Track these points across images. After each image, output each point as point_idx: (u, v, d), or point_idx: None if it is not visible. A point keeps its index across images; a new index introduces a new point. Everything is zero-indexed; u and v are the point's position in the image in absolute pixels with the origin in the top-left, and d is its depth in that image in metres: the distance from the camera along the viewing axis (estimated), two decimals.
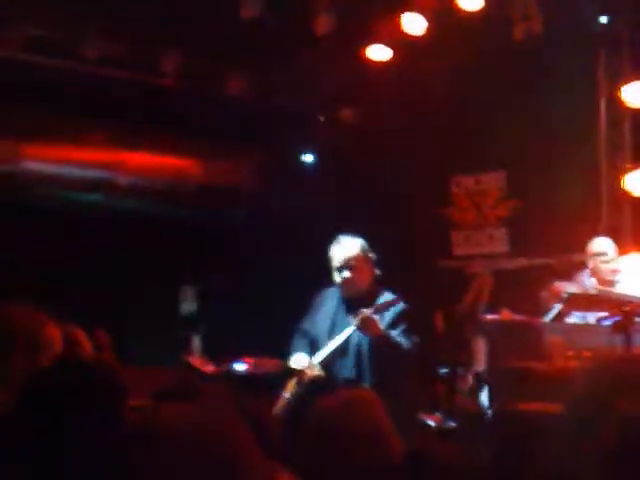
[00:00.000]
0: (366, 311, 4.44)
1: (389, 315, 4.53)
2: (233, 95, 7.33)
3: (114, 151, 7.06)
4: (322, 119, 8.06)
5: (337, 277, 4.65)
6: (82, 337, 3.04)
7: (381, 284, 4.69)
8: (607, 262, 5.42)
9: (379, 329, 4.44)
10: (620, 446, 0.73)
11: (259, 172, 7.91)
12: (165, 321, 7.23)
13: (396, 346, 4.45)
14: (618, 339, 3.38)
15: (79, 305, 5.40)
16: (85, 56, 6.51)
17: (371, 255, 4.67)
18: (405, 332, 4.55)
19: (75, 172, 6.88)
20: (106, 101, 6.72)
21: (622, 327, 3.41)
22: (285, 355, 4.87)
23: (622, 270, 5.58)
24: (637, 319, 4.42)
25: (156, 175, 7.36)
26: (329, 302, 4.78)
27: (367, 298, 4.59)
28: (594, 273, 5.50)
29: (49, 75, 6.46)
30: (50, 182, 6.83)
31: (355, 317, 4.45)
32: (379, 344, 4.46)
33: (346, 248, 4.65)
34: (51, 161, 6.79)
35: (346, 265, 4.60)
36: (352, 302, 4.62)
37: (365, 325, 4.42)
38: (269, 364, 5.66)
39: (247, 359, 5.87)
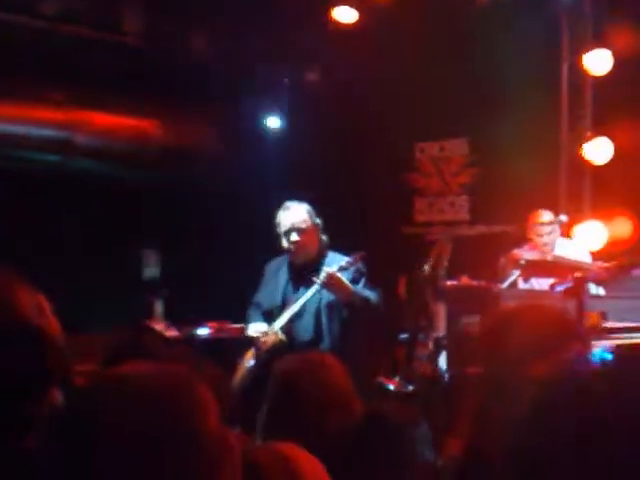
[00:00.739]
0: (330, 269, 4.47)
1: (348, 273, 4.57)
2: (197, 56, 7.24)
3: (73, 111, 6.92)
4: (287, 82, 8.01)
5: (285, 242, 4.66)
6: (45, 304, 3.00)
7: (328, 249, 4.72)
8: (541, 233, 5.55)
9: (347, 286, 4.47)
10: (533, 408, 0.74)
11: (222, 135, 7.84)
12: (127, 286, 7.18)
13: (365, 300, 4.50)
14: (570, 305, 3.45)
15: (36, 269, 5.34)
16: (43, 12, 6.37)
17: (318, 221, 4.70)
18: (367, 284, 4.61)
19: (33, 132, 6.74)
20: (65, 60, 6.60)
21: (573, 293, 3.47)
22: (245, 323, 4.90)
23: (579, 236, 5.70)
24: (588, 285, 4.52)
25: (116, 136, 7.25)
26: (279, 272, 4.80)
27: (316, 263, 4.61)
28: (532, 243, 5.62)
29: (5, 32, 6.31)
30: (6, 142, 6.69)
31: (318, 277, 4.47)
32: (348, 301, 4.50)
33: (293, 213, 4.67)
34: (7, 120, 6.64)
35: (294, 230, 4.62)
36: (301, 269, 4.64)
37: (332, 283, 4.44)
38: (233, 329, 5.69)
39: (210, 324, 5.88)
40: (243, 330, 5.02)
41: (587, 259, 5.38)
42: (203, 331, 5.37)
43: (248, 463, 1.50)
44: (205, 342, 5.42)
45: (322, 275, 4.45)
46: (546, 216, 5.62)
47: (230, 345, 5.26)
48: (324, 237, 4.74)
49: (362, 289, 4.56)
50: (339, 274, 4.45)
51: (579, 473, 0.68)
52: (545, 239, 5.59)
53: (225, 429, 1.18)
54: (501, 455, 0.74)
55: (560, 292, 3.92)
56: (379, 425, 2.36)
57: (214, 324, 5.38)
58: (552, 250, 5.57)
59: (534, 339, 1.75)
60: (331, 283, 4.43)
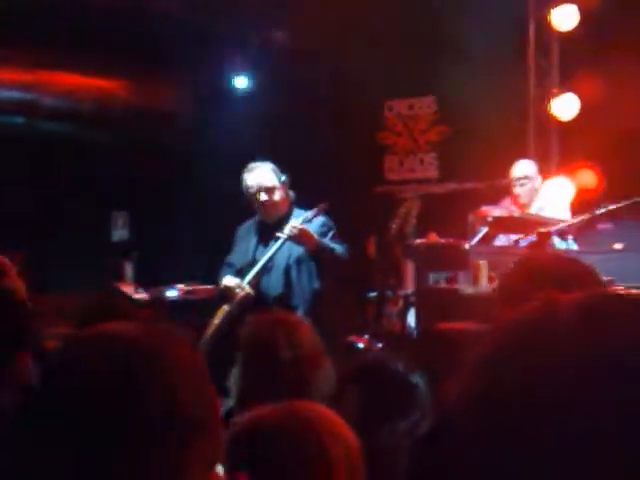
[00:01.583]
0: (295, 222, 4.49)
1: (315, 226, 4.59)
2: (163, 15, 7.12)
3: (37, 72, 6.81)
4: (255, 41, 7.91)
5: (254, 203, 4.68)
6: (8, 266, 2.98)
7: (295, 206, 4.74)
8: (527, 184, 5.57)
9: (313, 236, 4.50)
10: (497, 352, 0.73)
11: (190, 94, 7.76)
12: (96, 248, 7.13)
13: (332, 252, 4.54)
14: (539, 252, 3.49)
15: (3, 231, 5.29)
16: None
17: (284, 178, 4.71)
18: (334, 238, 4.64)
19: None
20: (30, 21, 6.46)
21: (537, 247, 3.51)
22: (217, 283, 4.91)
23: (547, 193, 5.74)
24: (552, 239, 4.57)
25: (82, 97, 7.14)
26: (250, 233, 4.83)
27: (286, 221, 4.63)
28: (516, 196, 5.65)
29: None
30: None
31: (283, 230, 4.49)
32: (315, 253, 4.53)
33: (259, 173, 4.68)
34: None
35: (262, 189, 4.64)
36: (272, 227, 4.66)
37: (297, 234, 4.46)
38: (202, 291, 5.69)
39: (180, 286, 5.88)
40: (213, 291, 5.04)
41: (564, 214, 5.39)
42: (172, 293, 5.37)
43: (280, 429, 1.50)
44: (175, 304, 5.42)
45: (287, 228, 4.47)
46: (518, 169, 5.63)
47: (200, 306, 5.27)
48: (291, 193, 4.76)
49: (329, 241, 4.60)
50: (304, 225, 4.48)
51: (552, 415, 0.67)
52: (517, 190, 5.60)
53: (211, 389, 1.17)
54: (470, 403, 0.73)
55: (524, 247, 3.96)
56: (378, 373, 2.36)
57: (183, 286, 5.38)
58: (529, 202, 5.57)
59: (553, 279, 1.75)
60: (296, 234, 4.46)
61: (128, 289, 5.36)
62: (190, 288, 5.53)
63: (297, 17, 7.21)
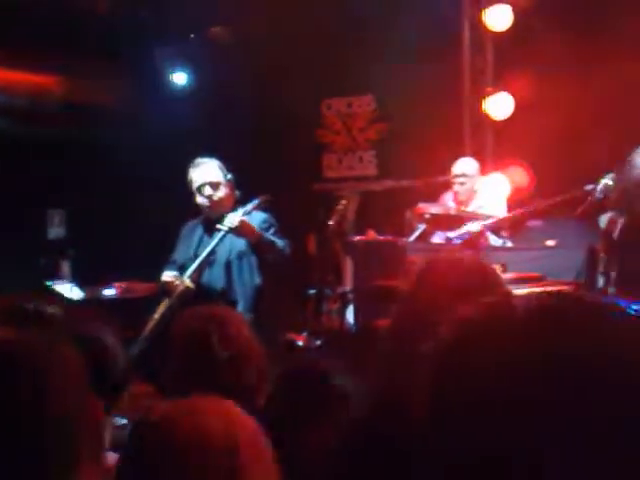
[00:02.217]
0: (235, 214, 4.49)
1: (256, 222, 4.60)
2: (101, 10, 7.03)
3: None
4: (194, 38, 7.86)
5: (199, 199, 4.66)
6: None
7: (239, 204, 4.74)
8: (467, 182, 5.68)
9: (253, 228, 4.50)
10: (454, 347, 0.75)
11: (127, 90, 7.67)
12: (32, 247, 7.01)
13: (272, 244, 4.54)
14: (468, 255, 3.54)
15: None
16: None
17: (230, 176, 4.70)
18: (275, 234, 4.65)
19: None
20: None
21: (471, 244, 3.57)
22: (158, 280, 4.88)
23: (483, 190, 5.84)
24: (487, 236, 4.66)
25: (17, 92, 7.01)
26: (194, 231, 4.81)
27: None
28: (455, 193, 5.76)
29: None
30: None
31: (224, 222, 4.48)
32: (256, 245, 4.53)
33: (204, 169, 4.66)
34: None
35: (207, 184, 4.63)
36: (215, 225, 4.65)
37: (238, 226, 4.46)
38: (141, 288, 5.64)
39: (117, 284, 5.82)
40: (151, 289, 5.00)
41: (501, 211, 5.49)
42: (109, 291, 5.31)
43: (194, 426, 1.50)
44: (112, 302, 5.37)
45: (227, 220, 4.47)
46: (458, 166, 5.74)
47: (139, 304, 5.23)
48: (237, 193, 4.75)
49: (271, 235, 4.62)
50: (244, 217, 4.49)
51: (500, 414, 0.69)
52: (456, 187, 5.71)
53: (83, 397, 1.17)
54: (416, 400, 0.75)
55: (458, 244, 4.02)
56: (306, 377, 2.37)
57: (121, 284, 5.32)
58: (468, 199, 5.68)
59: (454, 288, 1.76)
60: (236, 226, 4.46)
61: (63, 287, 5.29)
62: (128, 286, 5.47)
63: (236, 14, 7.19)
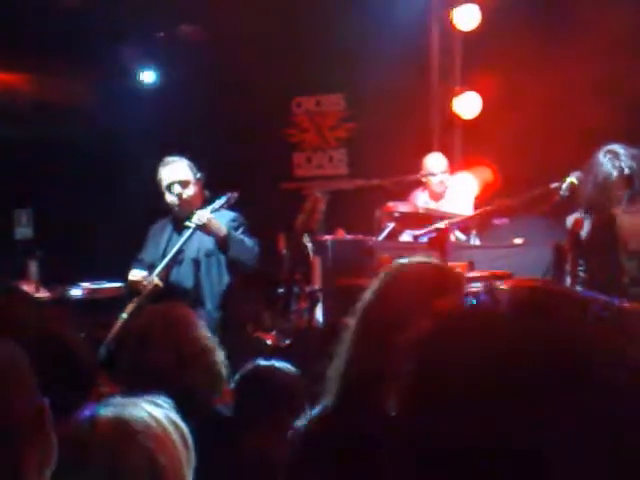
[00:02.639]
0: (203, 211, 4.47)
1: (225, 221, 4.58)
2: (69, 8, 6.97)
3: None
4: (163, 36, 7.82)
5: (168, 197, 4.64)
6: None
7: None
8: (438, 177, 5.74)
9: (220, 226, 4.49)
10: (433, 336, 0.75)
11: (96, 89, 7.61)
12: None
13: (241, 243, 4.53)
14: (435, 254, 3.56)
15: None
16: None
17: (199, 176, 4.69)
18: (244, 233, 4.64)
19: None
20: None
21: (436, 243, 3.59)
22: (126, 280, 4.86)
23: (452, 188, 5.88)
24: (452, 235, 4.69)
25: None
26: (163, 230, 4.79)
27: None
28: (428, 188, 5.80)
29: None
30: None
31: (192, 220, 4.47)
32: (224, 243, 4.52)
33: (174, 167, 4.65)
34: None
35: (176, 182, 4.61)
36: (184, 226, 4.63)
37: (205, 224, 4.44)
38: (108, 289, 5.60)
39: (85, 285, 5.77)
40: (119, 290, 4.97)
41: (469, 209, 5.54)
42: (77, 292, 5.26)
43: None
44: (80, 302, 5.32)
45: (195, 217, 4.45)
46: (430, 163, 5.78)
47: (107, 305, 5.19)
48: (206, 192, 4.74)
49: (241, 233, 4.61)
50: (212, 214, 4.47)
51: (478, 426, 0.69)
52: (431, 184, 5.78)
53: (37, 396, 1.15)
54: (394, 391, 0.75)
55: (424, 243, 4.04)
56: (256, 384, 2.37)
57: (88, 284, 5.27)
58: (441, 196, 5.75)
59: (414, 297, 1.76)
60: (204, 223, 4.44)
61: (29, 288, 5.23)
62: (95, 287, 5.43)
63: (205, 11, 7.16)
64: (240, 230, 4.64)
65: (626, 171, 3.26)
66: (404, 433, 0.72)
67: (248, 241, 4.61)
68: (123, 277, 4.99)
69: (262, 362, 2.55)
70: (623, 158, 3.28)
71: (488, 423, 0.67)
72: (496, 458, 0.67)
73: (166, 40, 7.75)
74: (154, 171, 4.72)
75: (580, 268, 3.57)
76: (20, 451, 1.08)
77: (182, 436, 1.50)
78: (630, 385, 0.67)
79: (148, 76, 7.77)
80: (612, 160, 3.28)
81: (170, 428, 1.49)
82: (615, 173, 3.26)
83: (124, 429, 1.45)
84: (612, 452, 0.66)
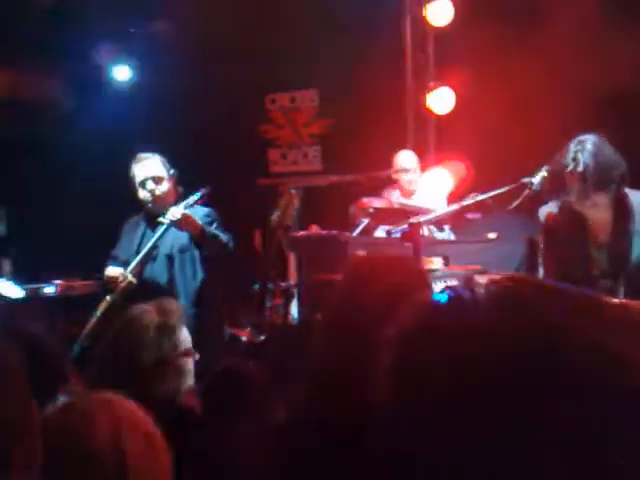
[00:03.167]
0: (177, 207, 4.46)
1: (199, 216, 4.57)
2: (40, 4, 6.91)
3: None
4: (137, 33, 7.77)
5: (141, 193, 4.62)
6: None
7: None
8: (408, 174, 5.77)
9: (196, 221, 4.48)
10: (416, 329, 0.75)
11: (67, 86, 7.56)
12: None
13: (216, 238, 4.52)
14: (408, 248, 3.59)
15: None
16: None
17: (173, 172, 4.68)
18: (218, 228, 4.63)
19: None
20: None
21: (409, 237, 3.60)
22: (99, 277, 4.83)
23: (425, 184, 5.91)
24: (428, 229, 4.71)
25: None
26: (137, 226, 4.77)
27: None
28: (398, 186, 5.82)
29: None
30: None
31: (166, 216, 4.45)
32: (199, 238, 4.50)
33: (147, 163, 4.63)
34: None
35: (150, 178, 4.59)
36: (158, 222, 4.61)
37: (179, 219, 4.43)
38: (82, 286, 5.56)
39: (59, 281, 5.73)
40: (93, 287, 4.95)
41: (443, 204, 5.56)
42: (50, 289, 5.22)
43: (76, 412, 1.49)
44: (53, 300, 5.29)
45: (169, 213, 4.44)
46: (401, 160, 5.80)
47: (80, 302, 5.16)
48: (180, 188, 4.73)
49: (215, 228, 4.60)
50: (186, 210, 4.46)
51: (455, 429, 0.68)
52: (402, 180, 5.79)
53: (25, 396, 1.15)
54: (375, 385, 0.75)
55: (397, 237, 4.06)
56: (230, 382, 2.37)
57: (62, 282, 5.24)
58: (412, 191, 5.77)
59: (381, 291, 1.76)
60: (179, 219, 4.43)
61: (2, 286, 5.19)
62: (69, 284, 5.40)
63: (178, 7, 7.12)
64: (214, 225, 4.64)
65: (580, 168, 3.27)
66: (386, 427, 0.72)
67: (223, 236, 4.61)
68: (94, 274, 4.97)
69: (231, 360, 2.56)
70: (586, 154, 3.28)
71: (470, 418, 0.68)
72: (477, 453, 0.67)
73: (139, 37, 7.71)
74: (127, 168, 4.70)
75: (552, 261, 3.60)
76: (10, 451, 1.08)
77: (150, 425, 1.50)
78: (606, 375, 0.68)
79: (122, 73, 7.72)
80: (575, 152, 3.29)
81: (139, 413, 1.50)
82: (570, 166, 3.27)
83: (86, 412, 1.45)
84: (586, 444, 0.67)
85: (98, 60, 7.61)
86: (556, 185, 3.35)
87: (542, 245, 3.68)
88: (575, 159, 3.29)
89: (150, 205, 4.63)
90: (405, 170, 5.75)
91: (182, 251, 4.62)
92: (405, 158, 5.87)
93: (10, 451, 1.09)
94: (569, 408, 0.67)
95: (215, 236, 4.54)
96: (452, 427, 0.68)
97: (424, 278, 1.89)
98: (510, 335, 0.70)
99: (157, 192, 4.59)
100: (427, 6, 6.27)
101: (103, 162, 7.14)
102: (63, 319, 5.06)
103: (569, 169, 3.29)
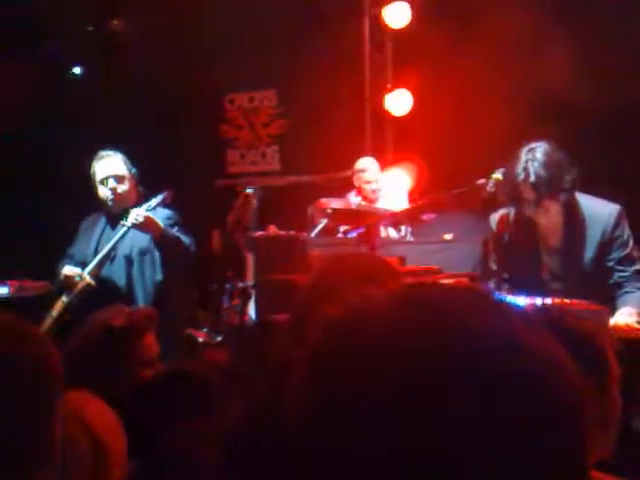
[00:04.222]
0: (138, 209, 4.43)
1: (160, 218, 4.55)
2: None
3: None
4: (91, 29, 7.69)
5: (102, 191, 4.58)
6: None
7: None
8: (369, 180, 5.79)
9: (157, 223, 4.45)
10: (322, 347, 0.75)
11: (25, 82, 7.45)
12: None
13: (177, 241, 4.50)
14: (364, 249, 3.60)
15: None
16: None
17: (134, 171, 4.65)
18: (179, 231, 4.61)
19: None
20: None
21: (365, 238, 3.62)
22: (52, 277, 4.78)
23: (384, 186, 5.94)
24: (383, 230, 4.74)
25: None
26: (95, 225, 4.73)
27: None
28: (359, 190, 5.84)
29: None
30: None
31: (128, 217, 4.42)
32: (160, 241, 4.48)
33: (108, 161, 4.60)
34: None
35: (111, 177, 4.55)
36: (118, 220, 4.58)
37: (141, 222, 4.39)
38: (35, 286, 5.48)
39: (11, 282, 5.64)
40: (47, 287, 4.90)
41: (402, 205, 5.59)
42: (2, 290, 5.14)
43: None
44: (5, 301, 5.20)
45: (130, 216, 4.41)
46: (361, 161, 5.83)
47: (31, 303, 5.09)
48: (141, 188, 4.70)
49: (176, 231, 4.58)
50: (148, 213, 4.43)
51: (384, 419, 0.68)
52: (361, 183, 5.83)
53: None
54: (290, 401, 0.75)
55: (353, 238, 4.08)
56: (182, 381, 2.36)
57: (15, 282, 5.16)
58: (372, 193, 5.80)
59: (349, 286, 1.76)
60: (140, 222, 4.40)
61: None
62: (22, 284, 5.31)
63: (136, 6, 7.07)
64: (175, 228, 4.62)
65: (531, 178, 3.30)
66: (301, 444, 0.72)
67: (185, 239, 4.59)
68: (46, 275, 4.91)
69: (181, 361, 2.55)
70: (536, 164, 3.30)
71: (379, 421, 0.67)
72: (391, 458, 0.67)
73: (96, 35, 7.63)
74: (82, 168, 4.66)
75: (502, 265, 3.64)
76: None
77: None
78: (519, 380, 0.68)
79: (77, 71, 7.65)
80: (526, 162, 3.32)
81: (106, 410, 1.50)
82: (522, 176, 3.30)
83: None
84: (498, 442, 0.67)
85: (53, 57, 7.52)
86: (509, 192, 3.39)
87: (493, 250, 3.72)
88: (526, 169, 3.32)
89: (110, 204, 4.59)
90: (362, 170, 5.76)
91: (142, 253, 4.58)
92: (366, 162, 5.88)
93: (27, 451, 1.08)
94: (478, 401, 0.67)
95: (177, 239, 4.52)
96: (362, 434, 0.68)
97: (391, 269, 1.90)
98: (410, 343, 0.70)
99: (118, 190, 4.56)
100: (385, 8, 6.30)
101: (60, 159, 7.06)
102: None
103: (520, 179, 3.32)
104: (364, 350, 0.71)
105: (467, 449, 0.66)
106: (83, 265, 4.64)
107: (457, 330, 0.70)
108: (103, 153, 4.65)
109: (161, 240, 4.48)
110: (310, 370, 0.74)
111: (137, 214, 4.40)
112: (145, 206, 4.48)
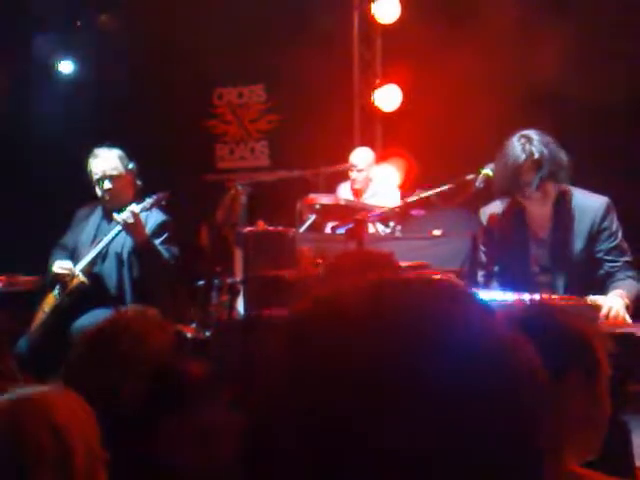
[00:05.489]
0: (134, 207, 4.40)
1: (150, 224, 4.52)
2: None
3: None
4: (80, 24, 7.66)
5: (99, 190, 4.57)
6: None
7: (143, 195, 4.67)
8: (360, 172, 5.79)
9: (143, 231, 4.42)
10: (291, 343, 0.76)
11: (10, 79, 7.42)
12: None
13: (157, 254, 4.48)
14: (352, 245, 3.60)
15: None
16: None
17: (131, 166, 4.62)
18: (166, 241, 4.58)
19: None
20: None
21: (353, 234, 3.62)
22: (43, 272, 4.75)
23: (375, 181, 5.94)
24: (372, 226, 4.74)
25: None
26: (91, 218, 4.70)
27: None
28: (352, 182, 5.85)
29: None
30: None
31: (122, 214, 4.40)
32: (141, 249, 4.45)
33: (105, 159, 4.57)
34: None
35: (107, 176, 4.53)
36: (113, 216, 4.56)
37: (132, 223, 4.37)
38: (23, 281, 5.45)
39: (0, 277, 5.61)
40: (37, 281, 4.87)
41: (394, 200, 5.59)
42: None
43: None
44: None
45: (125, 213, 4.38)
46: (353, 156, 5.80)
47: (26, 297, 5.07)
48: (139, 182, 4.67)
49: (159, 244, 4.54)
50: (141, 215, 4.41)
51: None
52: (353, 176, 5.78)
53: None
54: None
55: (341, 234, 4.08)
56: (167, 384, 2.34)
57: (4, 277, 5.13)
58: (363, 188, 5.79)
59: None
60: (131, 223, 4.37)
61: None
62: (12, 279, 5.28)
63: (124, 1, 7.05)
64: (163, 237, 4.58)
65: (536, 155, 3.32)
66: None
67: (165, 253, 4.55)
68: (37, 270, 4.89)
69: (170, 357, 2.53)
70: (535, 143, 3.34)
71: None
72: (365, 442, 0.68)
73: (84, 30, 7.60)
74: (71, 164, 4.64)
75: (492, 259, 3.64)
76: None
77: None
78: (471, 378, 0.69)
79: (66, 67, 7.61)
80: (523, 144, 3.34)
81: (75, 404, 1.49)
82: (524, 156, 3.32)
83: (25, 404, 1.43)
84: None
85: (42, 53, 7.49)
86: (508, 178, 3.39)
87: (482, 244, 3.72)
88: (525, 150, 3.34)
89: (107, 204, 4.59)
90: (352, 166, 5.76)
91: (133, 251, 4.55)
92: (359, 155, 5.88)
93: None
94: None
95: (157, 253, 4.49)
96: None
97: (389, 258, 1.90)
98: (373, 339, 0.70)
99: (113, 190, 4.54)
100: (374, 3, 6.30)
101: (47, 157, 7.04)
102: (6, 315, 4.96)
103: (522, 159, 3.33)
104: (329, 349, 0.71)
105: (418, 449, 0.67)
106: (74, 254, 4.61)
107: (405, 332, 0.70)
108: (98, 150, 4.62)
109: (142, 248, 4.45)
110: (281, 367, 0.74)
111: (132, 213, 4.36)
112: (140, 206, 4.44)
